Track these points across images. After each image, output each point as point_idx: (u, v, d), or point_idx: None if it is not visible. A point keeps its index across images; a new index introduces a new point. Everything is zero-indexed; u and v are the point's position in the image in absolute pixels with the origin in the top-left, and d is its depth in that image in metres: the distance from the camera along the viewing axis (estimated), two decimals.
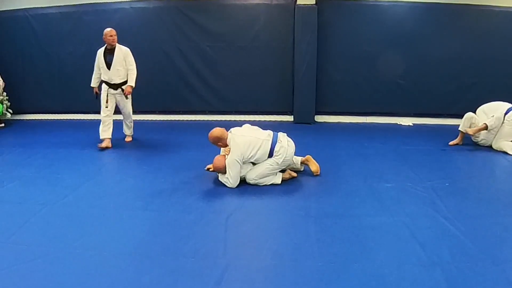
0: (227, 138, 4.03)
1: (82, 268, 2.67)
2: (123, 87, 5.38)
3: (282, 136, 4.11)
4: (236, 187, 3.98)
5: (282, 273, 2.64)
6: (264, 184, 4.05)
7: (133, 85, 5.37)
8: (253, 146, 3.95)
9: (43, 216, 3.44)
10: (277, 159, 3.98)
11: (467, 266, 2.64)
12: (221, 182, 4.08)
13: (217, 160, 4.01)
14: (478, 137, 5.34)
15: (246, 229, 3.27)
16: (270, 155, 3.99)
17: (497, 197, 3.84)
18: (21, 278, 2.56)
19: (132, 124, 5.78)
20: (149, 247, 2.95)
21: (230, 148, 3.96)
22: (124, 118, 5.66)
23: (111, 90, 5.38)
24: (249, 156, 3.96)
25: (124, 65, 5.32)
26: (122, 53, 5.31)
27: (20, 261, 2.73)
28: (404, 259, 2.76)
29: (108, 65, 5.28)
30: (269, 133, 4.11)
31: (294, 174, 4.25)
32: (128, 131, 5.81)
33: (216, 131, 4.04)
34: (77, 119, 7.24)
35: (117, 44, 5.29)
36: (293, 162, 4.30)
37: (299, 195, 3.88)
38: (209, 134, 4.06)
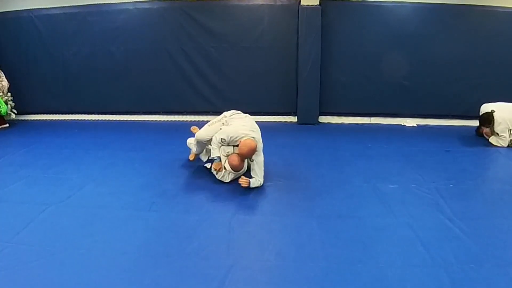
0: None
1: (85, 268, 2.68)
2: None
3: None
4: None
5: (286, 273, 2.64)
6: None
7: None
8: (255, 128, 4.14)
9: (47, 216, 3.45)
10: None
11: (471, 268, 2.64)
12: (223, 182, 4.08)
13: (233, 159, 3.92)
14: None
15: (249, 230, 3.28)
16: None
17: (501, 198, 3.82)
18: (25, 278, 2.57)
19: None
20: (152, 247, 2.96)
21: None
22: None
23: None
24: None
25: None
26: None
27: (23, 261, 2.75)
28: (407, 260, 2.75)
29: None
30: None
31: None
32: None
33: (253, 143, 3.85)
34: (81, 120, 7.25)
35: None
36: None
37: (302, 195, 3.87)
38: (247, 150, 3.81)
